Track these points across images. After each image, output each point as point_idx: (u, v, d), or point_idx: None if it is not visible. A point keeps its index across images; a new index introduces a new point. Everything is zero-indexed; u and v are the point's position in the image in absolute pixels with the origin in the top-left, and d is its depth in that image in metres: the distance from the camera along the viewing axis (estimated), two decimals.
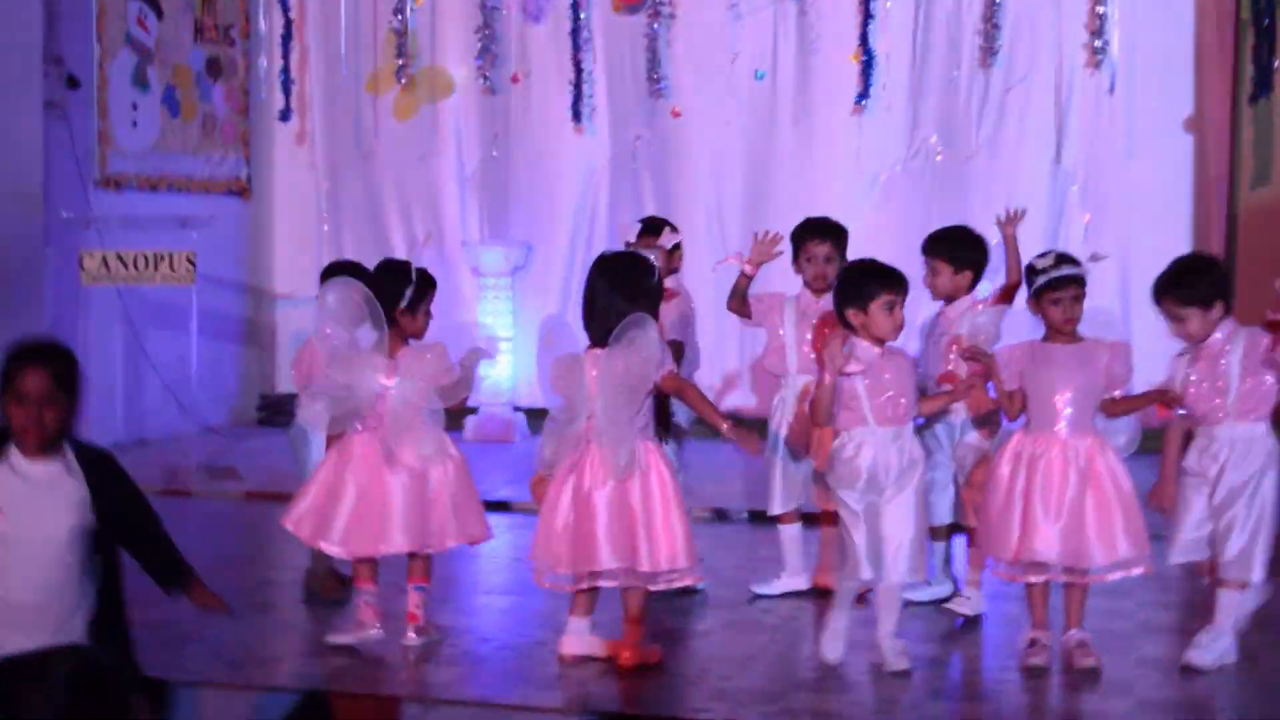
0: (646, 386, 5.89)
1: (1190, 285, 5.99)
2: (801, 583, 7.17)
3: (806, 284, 7.04)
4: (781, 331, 7.04)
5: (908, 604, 6.47)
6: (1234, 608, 6.00)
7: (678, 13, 11.87)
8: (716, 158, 11.95)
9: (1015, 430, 6.13)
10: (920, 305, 6.83)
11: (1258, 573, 5.95)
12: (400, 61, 12.45)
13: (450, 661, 6.17)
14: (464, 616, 6.87)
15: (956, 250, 6.88)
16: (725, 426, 5.92)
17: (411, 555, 6.29)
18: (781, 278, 7.28)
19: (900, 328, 5.92)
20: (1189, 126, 11.31)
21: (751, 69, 11.84)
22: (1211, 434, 5.99)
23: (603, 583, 5.97)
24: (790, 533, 7.18)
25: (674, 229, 7.18)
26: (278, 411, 11.90)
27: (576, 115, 12.13)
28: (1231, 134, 11.38)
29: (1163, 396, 6.06)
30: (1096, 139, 11.34)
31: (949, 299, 6.87)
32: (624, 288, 5.96)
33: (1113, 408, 6.05)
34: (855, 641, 6.06)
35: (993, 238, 7.05)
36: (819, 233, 7.02)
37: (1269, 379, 5.93)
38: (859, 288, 5.91)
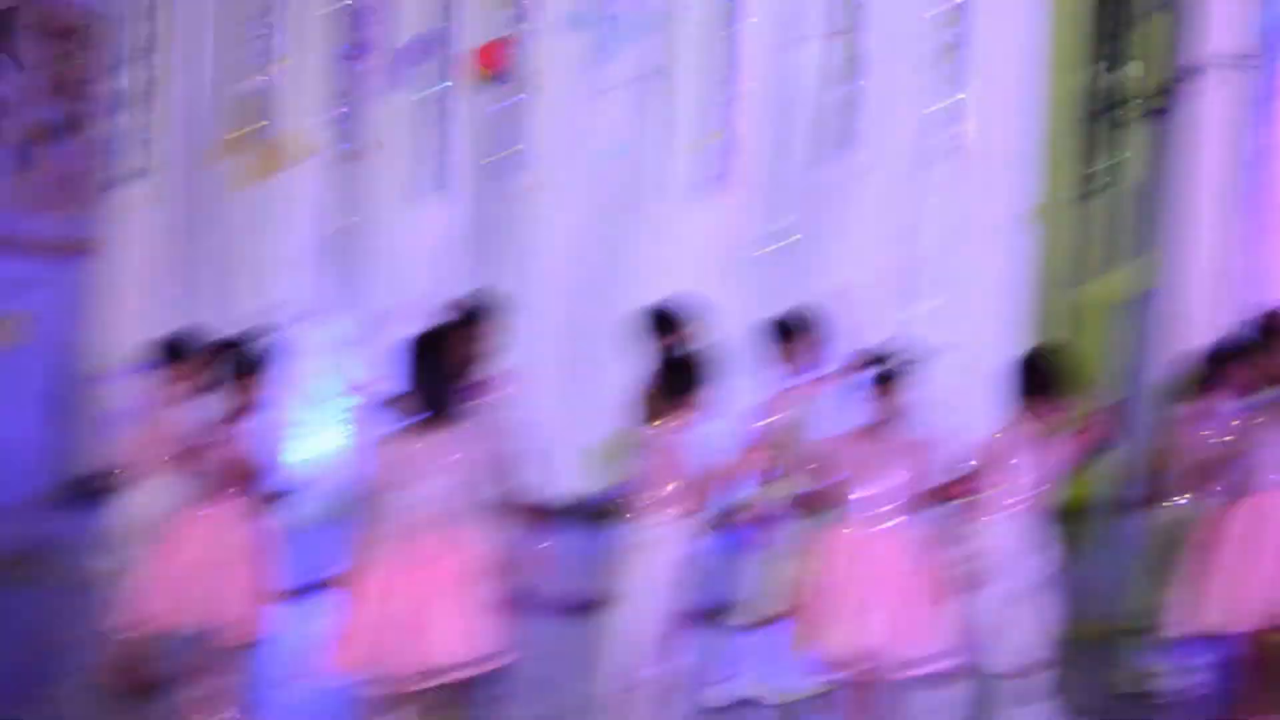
0: None
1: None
2: None
3: None
4: None
5: None
6: None
7: (541, 86, 11.90)
8: (574, 233, 11.96)
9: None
10: None
11: None
12: (256, 126, 12.34)
13: None
14: None
15: None
16: None
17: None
18: None
19: None
20: (1035, 217, 11.56)
21: (612, 145, 11.90)
22: None
23: None
24: None
25: None
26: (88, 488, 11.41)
27: (432, 184, 12.10)
28: (1077, 225, 11.71)
29: None
30: (945, 226, 11.55)
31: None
32: None
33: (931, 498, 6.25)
34: None
35: None
36: None
37: None
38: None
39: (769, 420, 6.79)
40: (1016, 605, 6.08)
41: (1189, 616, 5.97)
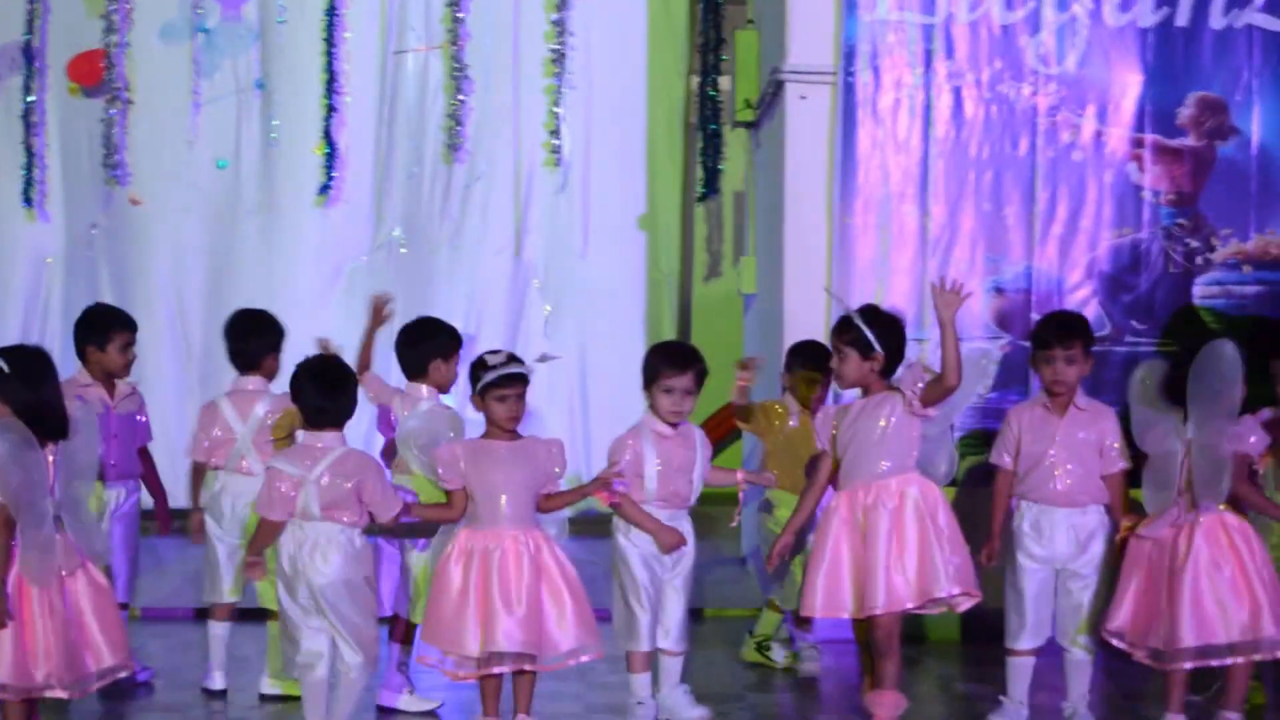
0: None
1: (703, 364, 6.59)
2: None
3: None
4: None
5: None
6: None
7: (137, 98, 11.59)
8: (177, 247, 11.72)
9: (462, 527, 6.22)
10: None
11: None
12: None
13: None
14: None
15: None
16: None
17: None
18: None
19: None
20: (642, 224, 11.81)
21: (213, 158, 11.69)
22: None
23: None
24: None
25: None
26: None
27: (28, 200, 11.68)
28: (683, 231, 12.00)
29: (596, 487, 6.38)
30: (554, 234, 11.70)
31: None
32: None
33: (548, 503, 6.31)
34: None
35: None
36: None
37: None
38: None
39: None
40: None
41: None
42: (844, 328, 6.31)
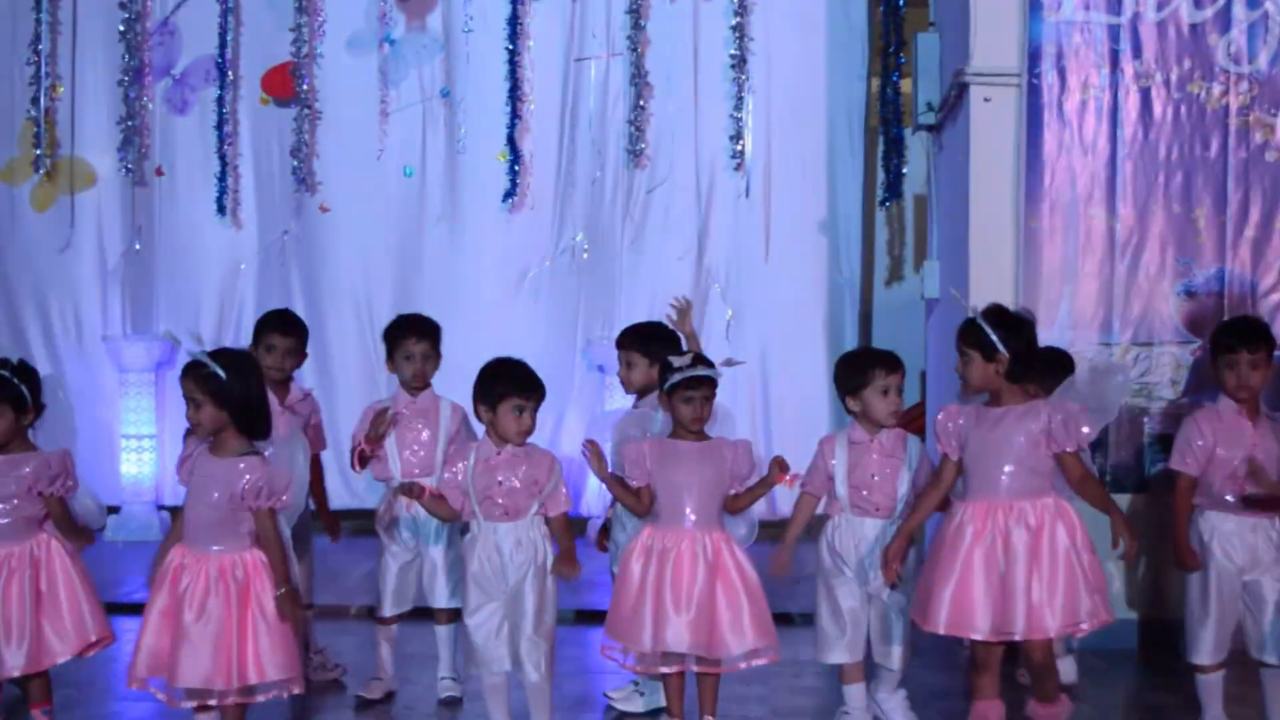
0: None
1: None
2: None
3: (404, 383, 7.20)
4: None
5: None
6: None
7: (325, 108, 11.87)
8: (365, 253, 11.97)
9: (646, 525, 6.29)
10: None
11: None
12: (38, 151, 12.13)
13: None
14: None
15: (652, 344, 6.98)
16: None
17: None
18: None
19: (526, 433, 6.11)
20: (823, 228, 11.80)
21: (400, 166, 11.92)
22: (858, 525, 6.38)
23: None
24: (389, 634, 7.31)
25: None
26: None
27: (222, 209, 12.00)
28: (864, 236, 11.96)
29: (774, 475, 6.33)
30: (736, 239, 11.74)
31: (643, 393, 6.98)
32: None
33: (735, 503, 6.31)
34: None
35: None
36: (415, 330, 7.24)
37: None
38: (490, 387, 6.07)
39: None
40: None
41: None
42: (967, 330, 6.04)
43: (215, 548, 5.74)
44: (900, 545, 6.18)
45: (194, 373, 5.78)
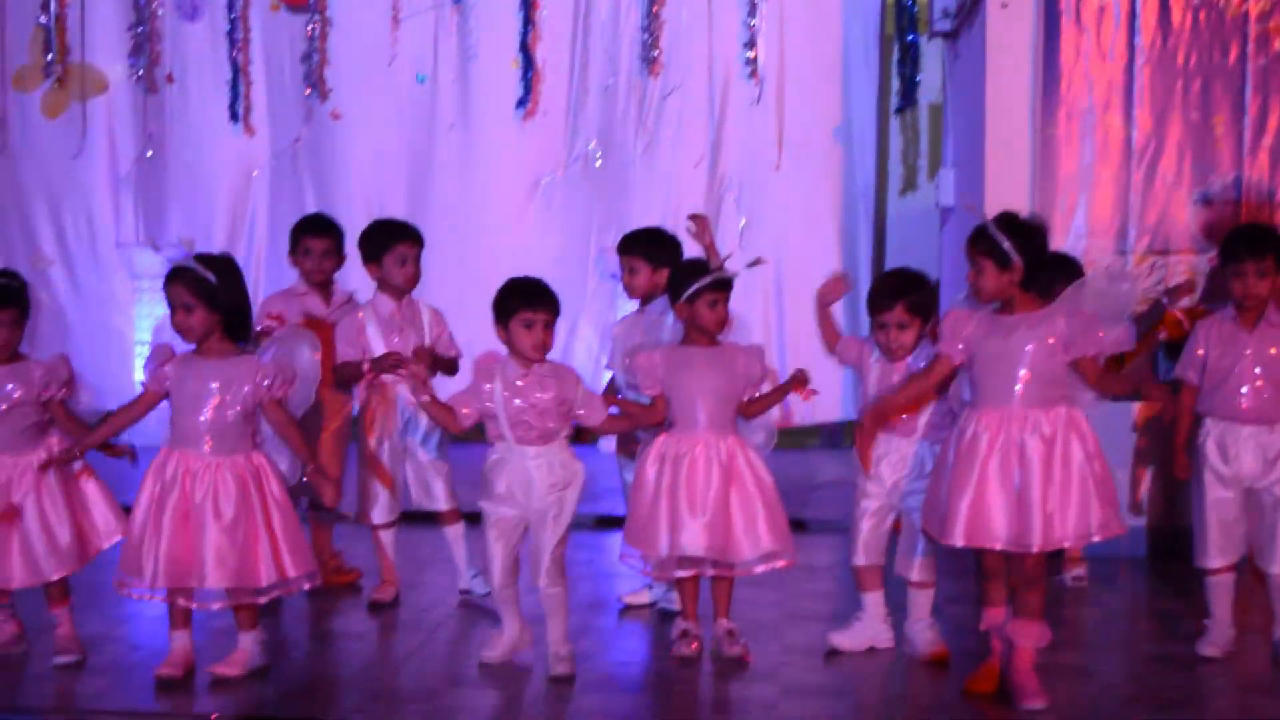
0: None
1: (924, 292, 6.31)
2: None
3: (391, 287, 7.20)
4: None
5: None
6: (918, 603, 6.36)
7: (336, 15, 11.79)
8: (378, 160, 11.90)
9: (661, 431, 6.30)
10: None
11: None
12: (49, 57, 12.07)
13: (98, 671, 6.08)
14: (111, 625, 6.77)
15: (654, 249, 6.99)
16: None
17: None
18: None
19: (541, 346, 6.02)
20: (837, 136, 11.73)
21: (412, 72, 11.85)
22: (895, 444, 6.31)
23: None
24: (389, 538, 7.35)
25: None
26: None
27: (234, 115, 11.96)
28: (879, 144, 11.90)
29: (793, 384, 6.32)
30: (749, 148, 11.67)
31: (646, 298, 6.97)
32: None
33: (749, 408, 6.31)
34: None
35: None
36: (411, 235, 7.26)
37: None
38: (501, 304, 6.04)
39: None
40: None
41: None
42: (978, 237, 5.84)
43: (225, 450, 5.79)
44: (868, 426, 6.12)
45: (185, 277, 5.81)
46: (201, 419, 5.82)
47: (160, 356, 5.88)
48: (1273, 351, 6.31)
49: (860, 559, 6.40)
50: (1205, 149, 8.32)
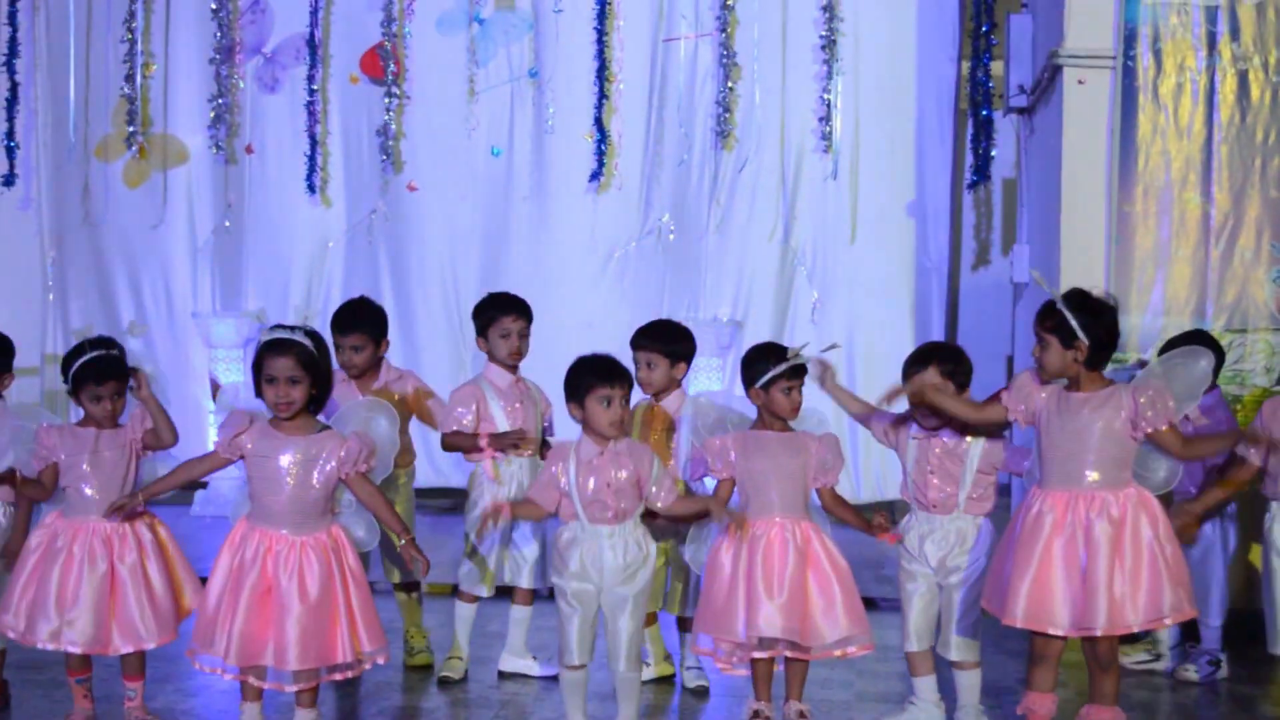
0: None
1: (959, 361, 6.22)
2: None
3: (499, 360, 7.15)
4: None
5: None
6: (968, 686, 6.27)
7: (413, 88, 11.89)
8: (452, 232, 11.99)
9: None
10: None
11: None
12: (131, 128, 12.23)
13: None
14: (182, 697, 6.76)
15: (672, 344, 6.94)
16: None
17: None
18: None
19: (619, 423, 5.99)
20: (911, 211, 11.70)
21: (488, 145, 11.92)
22: (936, 522, 6.23)
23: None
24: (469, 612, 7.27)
25: None
26: None
27: (311, 187, 12.05)
28: (952, 219, 11.85)
29: (875, 527, 6.22)
30: (823, 221, 11.66)
31: (659, 394, 6.92)
32: None
33: (835, 509, 6.27)
34: None
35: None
36: (513, 309, 7.18)
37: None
38: (576, 382, 6.01)
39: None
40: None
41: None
42: (1046, 313, 5.80)
43: (308, 528, 5.76)
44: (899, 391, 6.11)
45: (297, 350, 5.78)
46: (284, 496, 5.77)
47: (238, 424, 5.82)
48: None
49: (911, 644, 6.32)
50: None
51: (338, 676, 5.88)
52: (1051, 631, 5.72)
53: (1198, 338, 6.89)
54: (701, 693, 6.91)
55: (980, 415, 6.02)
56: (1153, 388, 5.73)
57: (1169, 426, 5.70)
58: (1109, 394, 5.76)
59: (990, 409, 5.97)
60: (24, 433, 6.21)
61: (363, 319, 7.31)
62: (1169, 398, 5.70)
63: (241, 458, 5.85)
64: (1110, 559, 5.63)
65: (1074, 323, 5.72)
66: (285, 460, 5.76)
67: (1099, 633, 5.65)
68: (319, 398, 5.83)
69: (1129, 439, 5.73)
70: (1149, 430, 5.70)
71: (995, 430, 6.09)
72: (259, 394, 5.83)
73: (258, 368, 5.79)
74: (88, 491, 6.08)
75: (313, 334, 5.88)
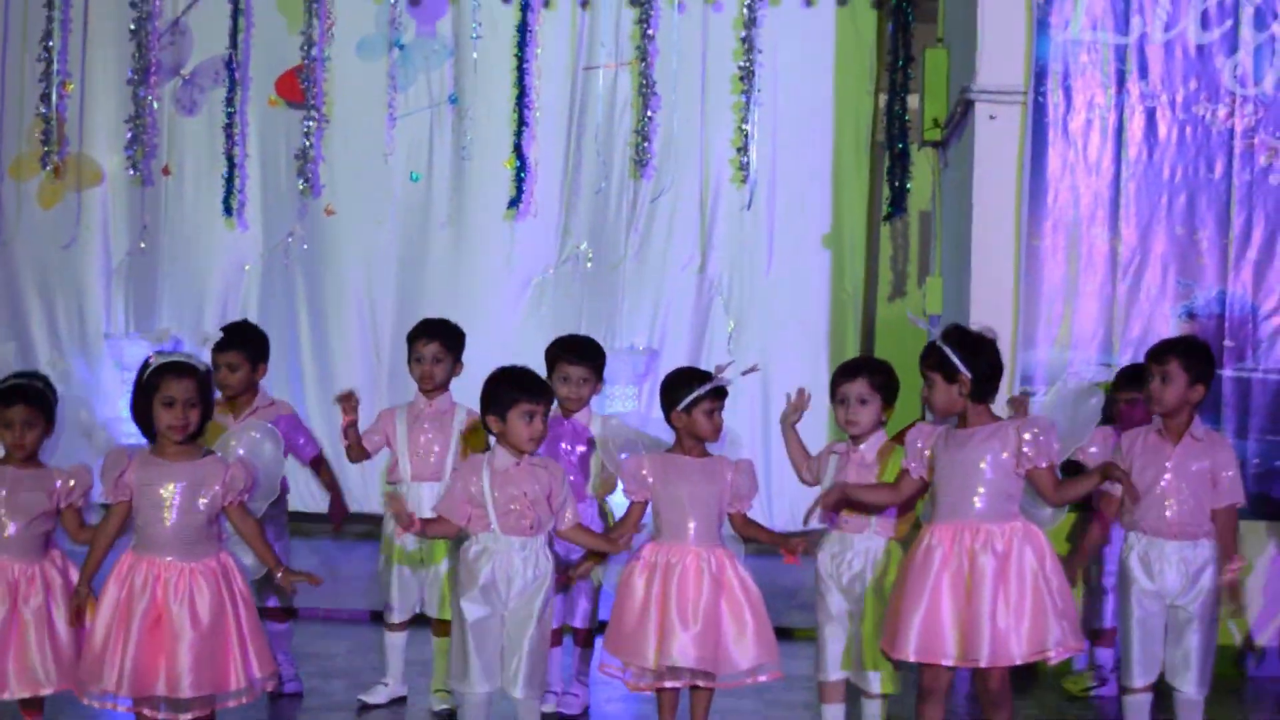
0: None
1: (889, 375, 6.32)
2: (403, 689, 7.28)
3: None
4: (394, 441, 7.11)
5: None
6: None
7: (333, 112, 11.87)
8: (370, 257, 11.97)
9: (648, 541, 6.25)
10: None
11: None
12: (46, 148, 12.12)
13: None
14: None
15: (599, 360, 7.06)
16: None
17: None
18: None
19: (539, 439, 6.02)
20: (827, 242, 11.78)
21: (407, 170, 11.92)
22: (849, 541, 6.27)
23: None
24: (395, 640, 7.23)
25: None
26: None
27: (228, 209, 11.99)
28: (868, 250, 11.94)
29: (788, 543, 6.25)
30: (740, 250, 11.73)
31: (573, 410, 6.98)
32: None
33: (746, 529, 6.28)
34: None
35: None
36: (427, 333, 7.13)
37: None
38: (498, 395, 6.01)
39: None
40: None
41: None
42: (928, 353, 5.95)
43: (195, 554, 5.69)
44: (825, 502, 6.15)
45: (197, 375, 5.76)
46: (171, 523, 5.68)
47: (117, 464, 5.71)
48: (1194, 467, 6.28)
49: (824, 673, 6.36)
50: (1189, 263, 8.33)
51: (231, 704, 5.82)
52: (943, 663, 5.78)
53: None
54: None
55: (898, 494, 6.10)
56: (1039, 425, 5.84)
57: (1048, 466, 5.80)
58: (995, 429, 5.87)
59: (904, 484, 6.06)
60: None
61: (242, 339, 7.25)
62: (1054, 437, 5.80)
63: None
64: (994, 591, 5.71)
65: (955, 359, 5.84)
66: (170, 487, 5.68)
67: (983, 664, 5.72)
68: (203, 426, 5.79)
69: (1014, 473, 5.82)
70: (1029, 468, 5.79)
71: (919, 496, 6.15)
72: (141, 416, 5.77)
73: (152, 389, 5.72)
74: None
75: (197, 359, 5.87)
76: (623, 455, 6.35)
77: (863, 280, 11.93)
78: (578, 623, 7.04)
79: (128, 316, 12.28)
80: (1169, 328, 8.19)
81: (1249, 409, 8.31)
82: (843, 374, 6.36)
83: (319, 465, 7.44)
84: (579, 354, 7.02)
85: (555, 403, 6.66)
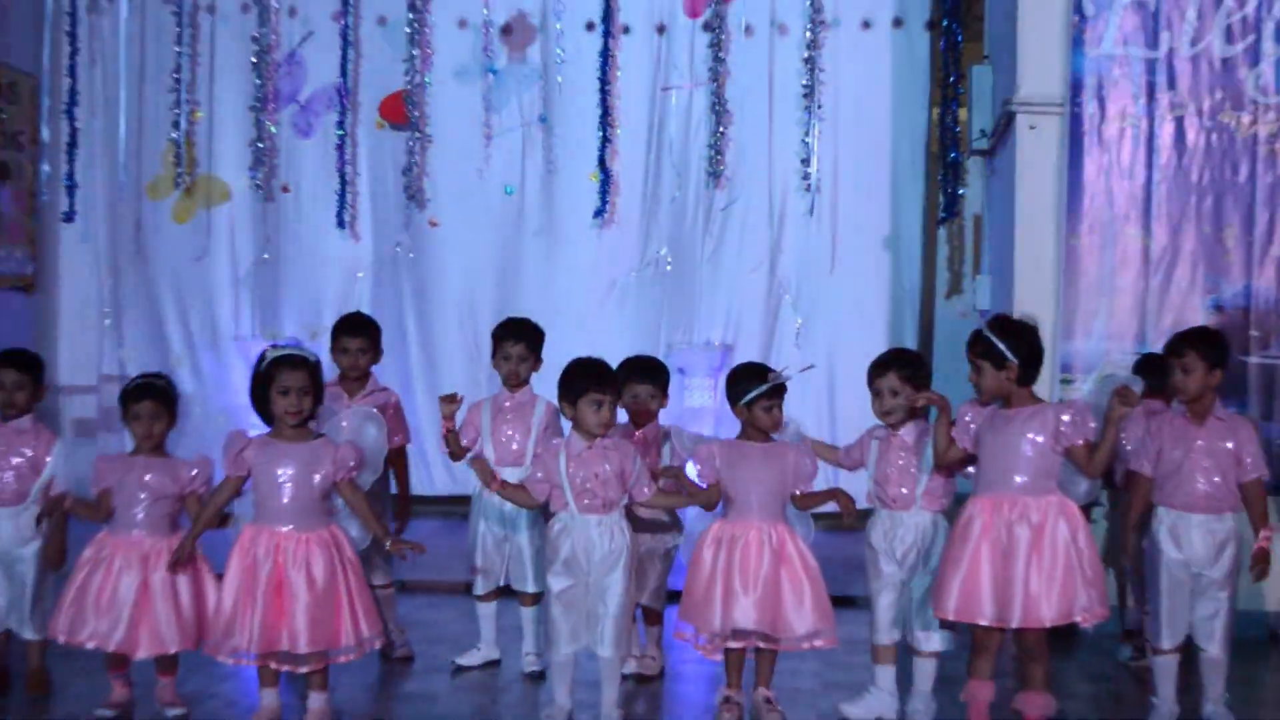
0: None
1: (917, 367, 6.35)
2: (495, 653, 7.40)
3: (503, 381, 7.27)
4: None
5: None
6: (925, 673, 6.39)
7: (434, 132, 12.05)
8: (470, 263, 12.13)
9: (718, 518, 6.35)
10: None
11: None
12: (179, 170, 12.39)
13: None
14: (211, 682, 6.88)
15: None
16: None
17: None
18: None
19: (606, 425, 6.13)
20: (886, 244, 11.81)
21: (502, 184, 12.07)
22: (899, 518, 6.33)
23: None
24: (485, 610, 7.36)
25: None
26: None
27: (341, 222, 12.20)
28: (925, 252, 11.95)
29: (840, 497, 6.33)
30: (805, 254, 11.78)
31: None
32: None
33: (802, 502, 6.36)
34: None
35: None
36: (512, 333, 7.26)
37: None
38: (570, 384, 6.15)
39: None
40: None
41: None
42: (974, 341, 5.99)
43: (309, 526, 5.90)
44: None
45: (309, 366, 5.95)
46: (286, 500, 5.93)
47: (237, 444, 5.97)
48: (1218, 446, 6.28)
49: (877, 636, 6.43)
50: (1217, 259, 8.33)
51: (342, 659, 6.01)
52: (980, 622, 5.85)
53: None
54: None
55: (947, 457, 6.15)
56: (1076, 406, 5.88)
57: (1084, 443, 5.84)
58: (1036, 410, 5.91)
59: (950, 455, 6.12)
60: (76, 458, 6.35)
61: (368, 325, 7.47)
62: (1089, 417, 5.83)
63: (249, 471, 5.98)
64: (1028, 559, 5.77)
65: (1001, 346, 5.87)
66: (287, 466, 5.89)
67: (1014, 625, 5.78)
68: (314, 411, 6.00)
69: (1052, 452, 5.86)
70: (1066, 445, 5.83)
71: (963, 465, 6.21)
72: (260, 403, 5.95)
73: (269, 379, 5.91)
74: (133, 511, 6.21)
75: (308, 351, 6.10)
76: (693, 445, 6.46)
77: (920, 279, 11.93)
78: (647, 600, 7.13)
79: (253, 320, 12.51)
80: (1199, 319, 8.18)
81: (1274, 393, 8.30)
82: (874, 369, 6.39)
83: (400, 455, 7.53)
84: (644, 374, 7.09)
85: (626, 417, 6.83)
